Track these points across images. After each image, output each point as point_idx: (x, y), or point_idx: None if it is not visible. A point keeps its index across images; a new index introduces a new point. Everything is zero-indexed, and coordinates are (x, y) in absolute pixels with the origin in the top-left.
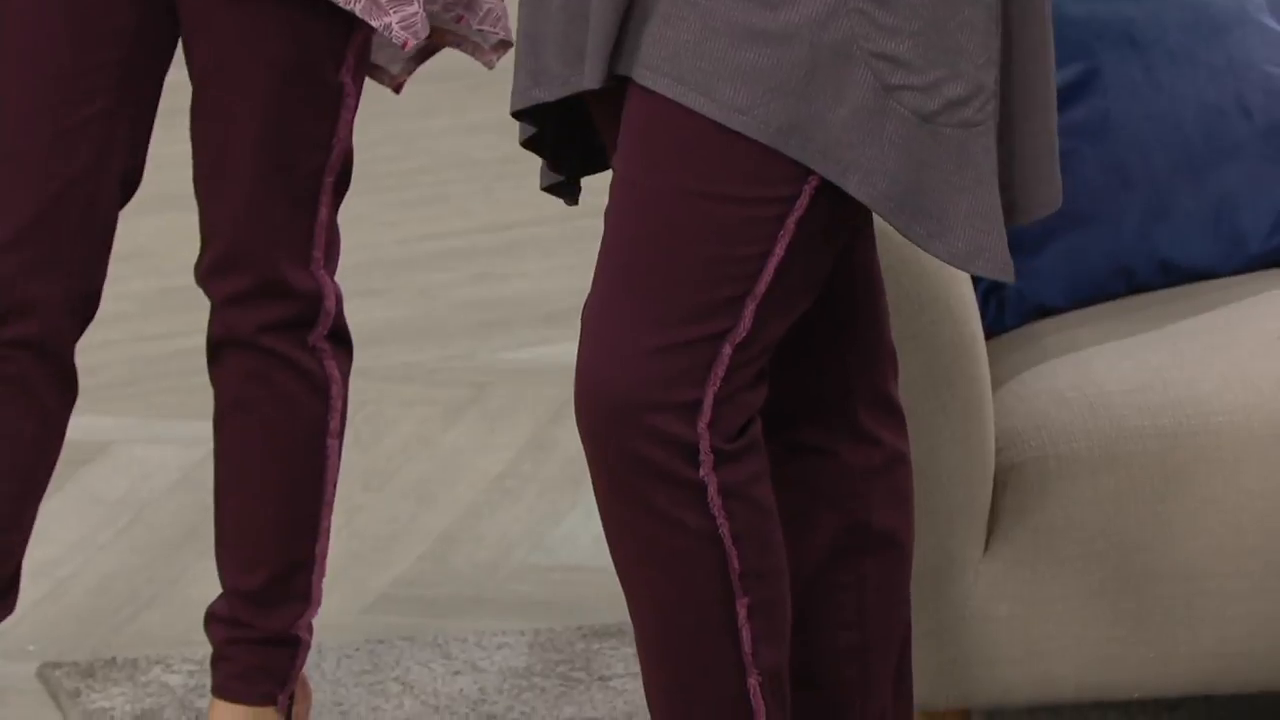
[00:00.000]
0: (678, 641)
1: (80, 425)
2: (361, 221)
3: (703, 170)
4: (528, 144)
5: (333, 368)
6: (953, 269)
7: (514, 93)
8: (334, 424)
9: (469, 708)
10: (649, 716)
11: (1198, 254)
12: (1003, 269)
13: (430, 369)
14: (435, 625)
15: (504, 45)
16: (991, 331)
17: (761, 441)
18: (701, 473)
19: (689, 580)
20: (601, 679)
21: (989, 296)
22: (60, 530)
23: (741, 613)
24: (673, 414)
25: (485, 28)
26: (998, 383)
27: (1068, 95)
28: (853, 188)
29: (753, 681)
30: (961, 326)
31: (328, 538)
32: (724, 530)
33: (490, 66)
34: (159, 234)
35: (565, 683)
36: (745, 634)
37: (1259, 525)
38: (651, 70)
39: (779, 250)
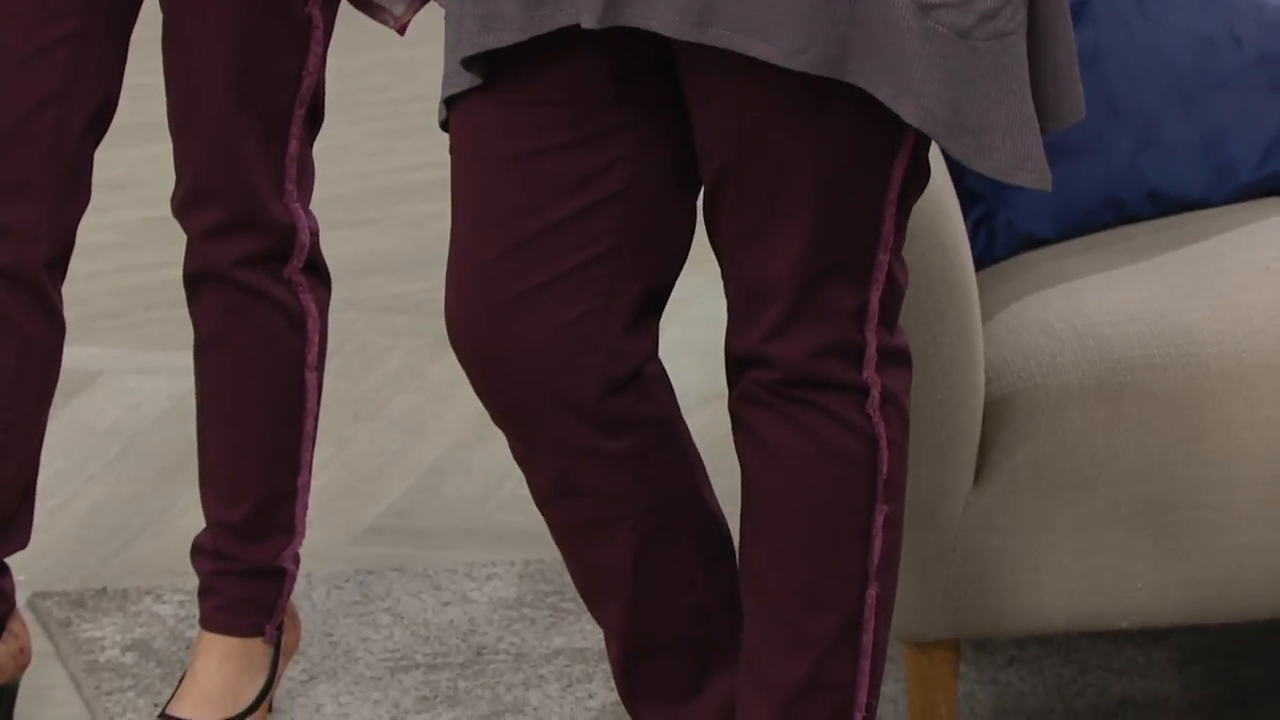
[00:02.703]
0: (813, 547)
1: (68, 355)
2: (350, 151)
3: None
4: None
5: (309, 301)
6: (942, 200)
7: (459, 40)
8: (311, 357)
9: (459, 638)
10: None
11: (1188, 184)
12: (1043, 178)
13: (420, 300)
14: (425, 556)
15: None
16: (981, 262)
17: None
18: (866, 375)
19: (841, 483)
20: None
21: (979, 227)
22: (49, 460)
23: (879, 520)
24: (843, 319)
25: None
26: (987, 314)
27: None
28: (905, 111)
29: (872, 593)
30: (952, 257)
31: (310, 470)
32: (881, 434)
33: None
34: (144, 164)
35: (555, 613)
36: (877, 543)
37: (1248, 455)
38: (694, 25)
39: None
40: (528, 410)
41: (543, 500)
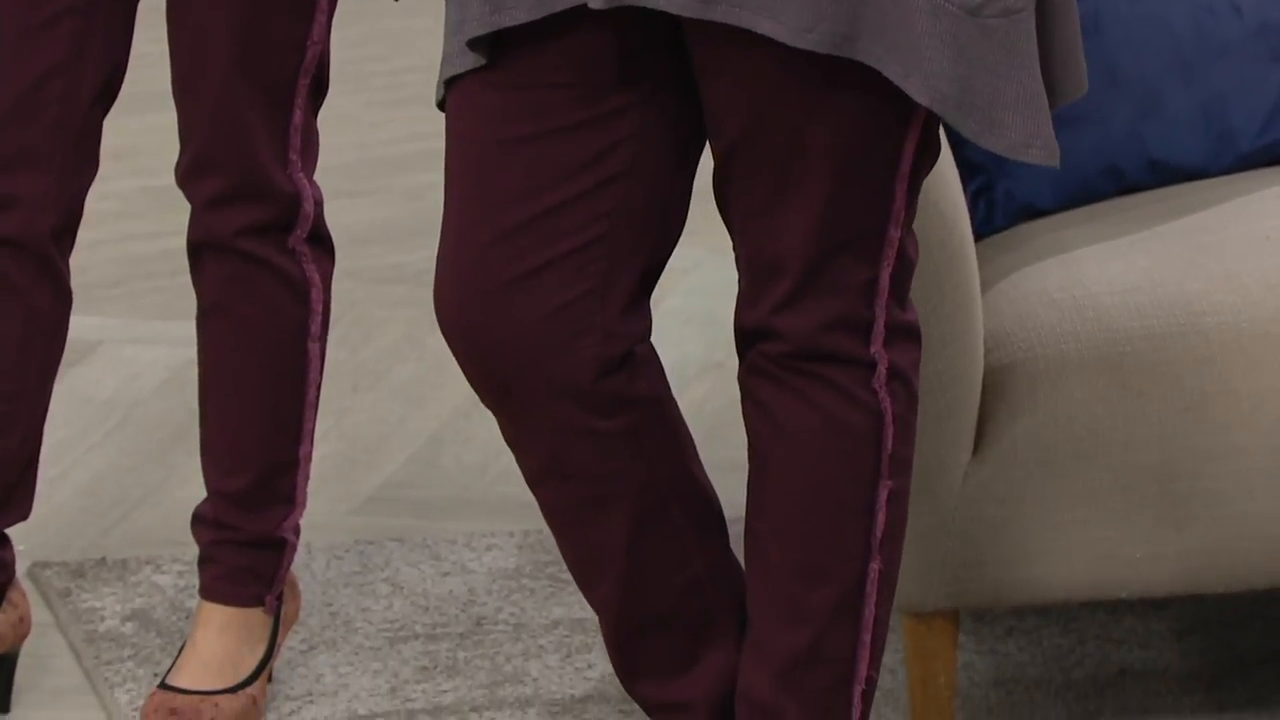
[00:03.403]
0: (817, 520)
1: (69, 325)
2: (348, 121)
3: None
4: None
5: (313, 271)
6: (941, 171)
7: (463, 21)
8: (314, 328)
9: (458, 609)
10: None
11: (1187, 153)
12: (1052, 154)
13: (418, 270)
14: (424, 526)
15: None
16: (980, 233)
17: (919, 331)
18: (873, 349)
19: (845, 457)
20: None
21: (978, 198)
22: (49, 430)
23: (883, 495)
24: (852, 294)
25: None
26: (986, 284)
27: None
28: (914, 89)
29: (874, 567)
30: (951, 228)
31: (312, 441)
32: (886, 409)
33: None
34: (145, 133)
35: (554, 583)
36: (880, 518)
37: (1247, 425)
38: (701, 2)
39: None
40: (521, 393)
41: (535, 481)
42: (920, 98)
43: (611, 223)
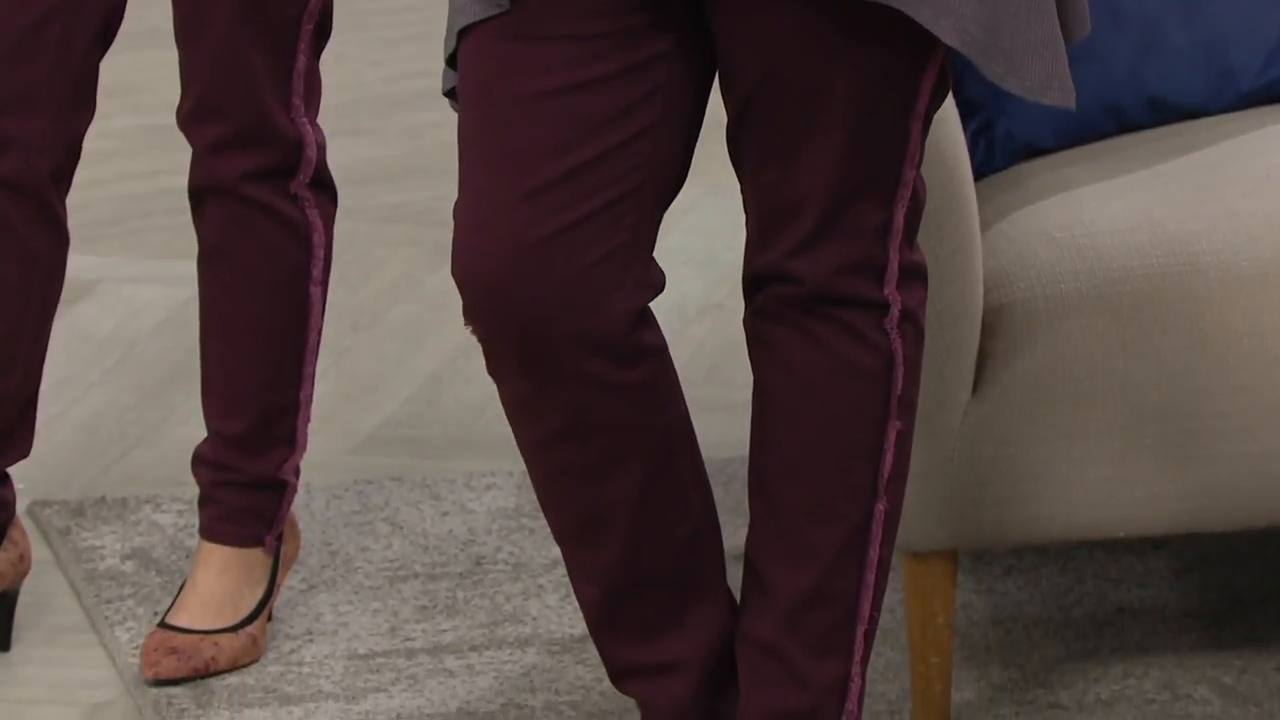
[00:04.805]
0: (824, 460)
1: (68, 264)
2: (347, 60)
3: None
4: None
5: (315, 216)
6: (941, 110)
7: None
8: (316, 272)
9: (458, 548)
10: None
11: (1188, 91)
12: (1068, 95)
13: (418, 209)
14: (424, 466)
15: None
16: (980, 172)
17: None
18: (887, 291)
19: (856, 398)
20: None
21: (978, 137)
22: (48, 369)
23: (891, 436)
24: (869, 237)
25: None
26: (986, 224)
27: None
28: (945, 33)
29: (880, 508)
30: (951, 168)
31: (313, 384)
32: (897, 351)
33: None
34: (143, 70)
35: None
36: (888, 459)
37: (1246, 364)
38: None
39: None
40: (550, 352)
41: (546, 445)
42: (951, 40)
43: (642, 176)
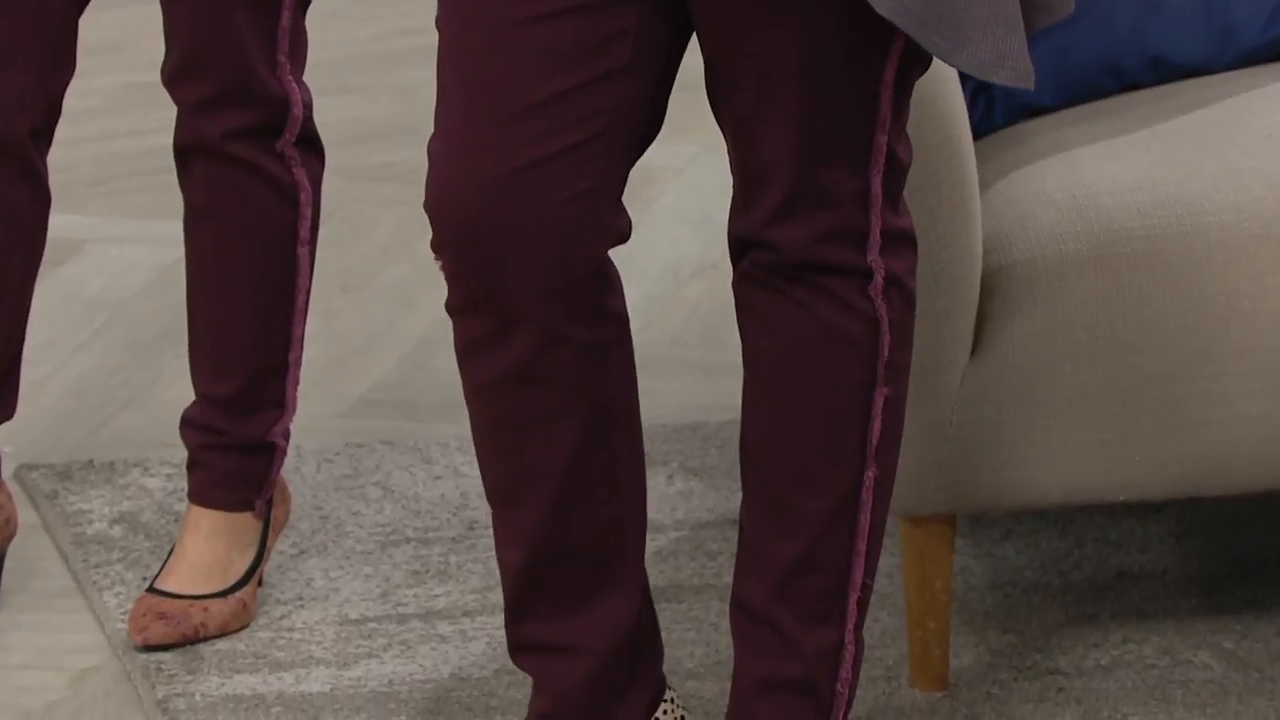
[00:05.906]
0: (811, 427)
1: (53, 224)
2: (337, 17)
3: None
4: None
5: (302, 175)
6: (939, 68)
7: None
8: (303, 232)
9: (450, 512)
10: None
11: (1189, 49)
12: (1024, 76)
13: (409, 169)
14: (415, 429)
15: None
16: (979, 132)
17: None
18: (870, 258)
19: (841, 364)
20: None
21: (977, 96)
22: (34, 330)
23: (879, 402)
24: (847, 204)
25: None
26: (985, 184)
27: None
28: (877, 3)
29: (870, 475)
30: (950, 127)
31: (302, 345)
32: (883, 316)
33: None
34: (127, 27)
35: None
36: (876, 425)
37: (1247, 327)
38: None
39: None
40: (511, 288)
41: (493, 387)
42: (883, 10)
43: (610, 120)
